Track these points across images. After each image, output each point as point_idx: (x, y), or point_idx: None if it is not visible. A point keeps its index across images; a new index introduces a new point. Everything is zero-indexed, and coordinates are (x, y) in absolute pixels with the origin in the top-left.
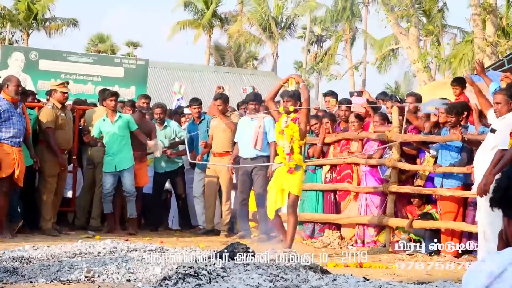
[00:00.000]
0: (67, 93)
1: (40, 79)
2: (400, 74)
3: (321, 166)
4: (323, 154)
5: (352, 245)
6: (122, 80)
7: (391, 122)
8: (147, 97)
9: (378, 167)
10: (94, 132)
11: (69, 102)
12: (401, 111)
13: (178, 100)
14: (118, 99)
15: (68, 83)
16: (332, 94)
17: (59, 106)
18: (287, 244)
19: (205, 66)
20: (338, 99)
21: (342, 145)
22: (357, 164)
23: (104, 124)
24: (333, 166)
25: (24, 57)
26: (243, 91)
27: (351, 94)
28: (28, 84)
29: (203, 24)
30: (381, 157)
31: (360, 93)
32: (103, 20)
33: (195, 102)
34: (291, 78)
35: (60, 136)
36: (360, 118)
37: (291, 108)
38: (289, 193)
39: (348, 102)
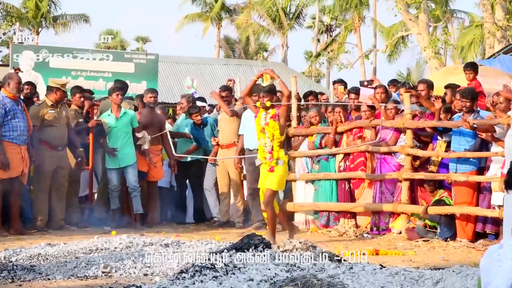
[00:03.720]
0: (65, 92)
1: (51, 76)
2: (411, 61)
3: (334, 155)
4: (336, 143)
5: (367, 233)
6: (133, 75)
7: (403, 109)
8: (154, 91)
9: (393, 153)
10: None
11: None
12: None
13: (192, 94)
14: (130, 94)
15: (67, 82)
16: (341, 82)
17: (50, 103)
18: (269, 237)
19: (215, 59)
20: (347, 88)
21: (355, 133)
22: (371, 152)
23: (109, 119)
24: (346, 155)
25: (34, 55)
26: None
27: (361, 83)
28: (39, 82)
29: (211, 17)
30: (396, 143)
31: (370, 82)
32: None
33: (195, 109)
34: (266, 73)
35: (50, 133)
36: (372, 106)
37: (268, 104)
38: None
39: (357, 90)
